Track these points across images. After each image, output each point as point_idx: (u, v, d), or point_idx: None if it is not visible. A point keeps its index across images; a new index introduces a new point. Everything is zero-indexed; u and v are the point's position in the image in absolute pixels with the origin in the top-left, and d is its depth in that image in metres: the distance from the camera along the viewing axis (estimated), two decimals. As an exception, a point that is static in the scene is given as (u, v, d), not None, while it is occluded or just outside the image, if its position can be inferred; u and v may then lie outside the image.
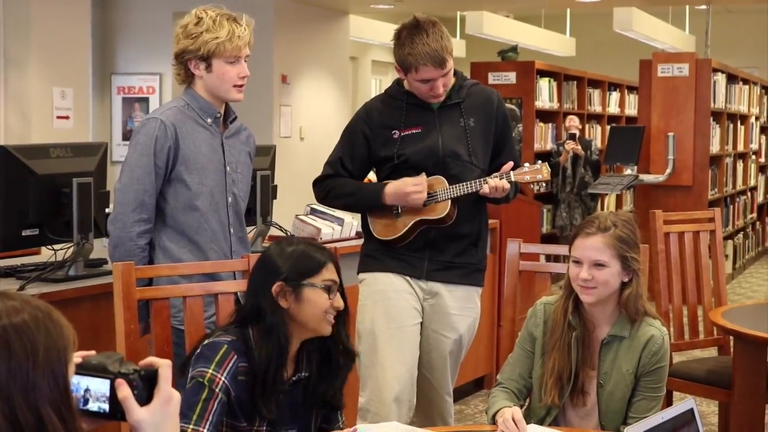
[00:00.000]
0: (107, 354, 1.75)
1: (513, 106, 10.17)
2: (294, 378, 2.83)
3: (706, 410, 5.81)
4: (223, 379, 2.68)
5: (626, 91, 13.19)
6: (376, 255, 3.90)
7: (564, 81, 11.04)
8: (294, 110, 10.30)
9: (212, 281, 3.26)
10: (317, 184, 3.99)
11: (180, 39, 3.40)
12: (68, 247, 3.83)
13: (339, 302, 2.82)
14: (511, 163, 3.80)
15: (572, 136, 10.32)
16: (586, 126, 11.85)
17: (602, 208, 12.17)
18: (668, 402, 4.93)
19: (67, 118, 7.59)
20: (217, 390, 2.66)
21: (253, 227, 4.62)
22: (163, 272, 3.21)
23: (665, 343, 3.09)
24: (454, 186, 3.77)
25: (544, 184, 10.30)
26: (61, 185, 3.74)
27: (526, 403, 3.25)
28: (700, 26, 12.39)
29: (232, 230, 3.49)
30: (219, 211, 3.45)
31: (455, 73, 3.92)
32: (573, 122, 10.33)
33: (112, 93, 11.25)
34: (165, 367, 1.74)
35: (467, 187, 3.76)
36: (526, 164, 3.83)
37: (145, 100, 10.70)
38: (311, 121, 10.50)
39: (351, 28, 11.38)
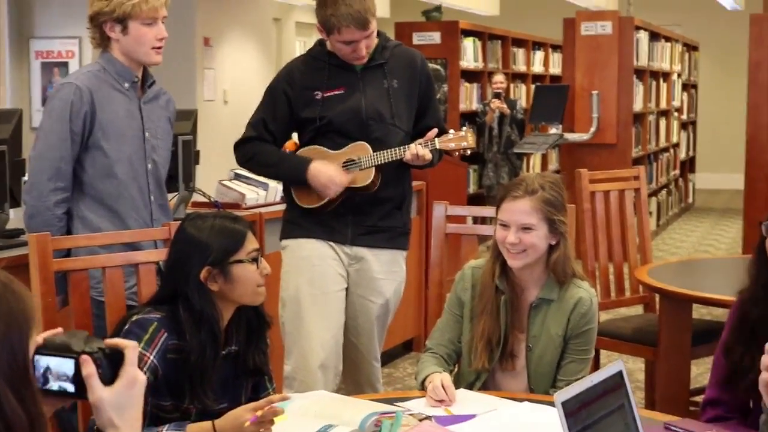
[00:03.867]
0: (72, 332, 1.70)
1: (438, 67, 10.12)
2: (224, 352, 2.77)
3: (633, 367, 5.85)
4: (152, 357, 2.60)
5: (550, 50, 13.22)
6: (299, 221, 3.84)
7: (488, 40, 11.01)
8: (217, 73, 10.13)
9: (133, 251, 3.16)
10: (239, 146, 3.90)
11: (94, 1, 3.29)
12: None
13: (267, 268, 2.77)
14: (435, 131, 3.75)
15: (497, 95, 10.29)
16: (511, 86, 11.84)
17: (528, 168, 12.22)
18: (596, 361, 4.95)
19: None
20: (144, 369, 2.58)
21: (175, 194, 4.52)
22: (81, 242, 3.12)
23: (593, 305, 3.07)
24: (377, 153, 3.72)
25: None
26: (-24, 154, 3.62)
27: (456, 368, 3.22)
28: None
29: (152, 198, 3.40)
30: (138, 178, 3.35)
31: (378, 34, 3.87)
32: (498, 81, 10.31)
33: (30, 58, 10.97)
34: (131, 349, 1.70)
35: (390, 154, 3.72)
36: (451, 131, 3.79)
37: (65, 64, 10.45)
38: (235, 84, 10.35)
39: (274, -11, 11.24)
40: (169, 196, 4.53)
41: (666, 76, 11.49)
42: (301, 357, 3.75)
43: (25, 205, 3.29)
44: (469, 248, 3.65)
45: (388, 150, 3.72)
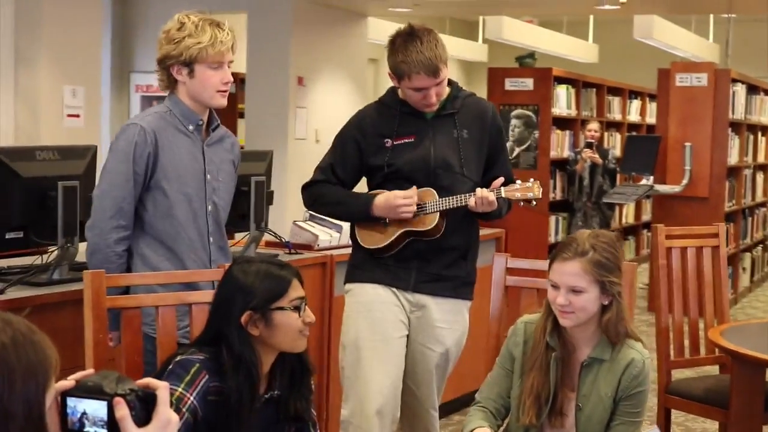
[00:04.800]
0: (104, 373, 1.72)
1: (529, 113, 10.09)
2: (266, 396, 2.79)
3: (710, 428, 5.73)
4: (192, 399, 2.63)
5: (647, 99, 13.08)
6: (363, 265, 3.85)
7: (583, 88, 10.94)
8: (309, 112, 10.26)
9: (190, 290, 3.21)
10: (306, 189, 3.94)
11: (162, 44, 3.36)
12: (53, 251, 3.79)
13: (310, 316, 2.78)
14: (501, 179, 3.74)
15: (589, 145, 10.21)
16: (605, 134, 11.74)
17: (621, 218, 12.08)
18: (666, 420, 4.86)
19: (77, 116, 7.57)
20: (183, 409, 2.61)
21: (246, 233, 4.57)
22: (135, 281, 3.17)
23: (646, 366, 3.02)
24: (443, 199, 3.72)
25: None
26: (47, 188, 3.70)
27: (505, 423, 3.19)
28: (724, 35, 12.27)
29: (211, 239, 3.44)
30: (197, 219, 3.40)
31: (451, 84, 3.88)
32: (592, 130, 10.23)
33: (130, 91, 11.26)
34: (163, 389, 1.72)
35: (457, 201, 3.71)
36: (518, 181, 3.77)
37: (163, 98, 10.69)
38: (327, 123, 10.45)
39: (371, 30, 11.33)
40: (240, 235, 4.62)
41: (764, 129, 11.27)
42: (358, 402, 3.75)
43: (87, 242, 3.35)
44: (528, 302, 3.60)
45: (454, 197, 3.71)
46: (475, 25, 13.75)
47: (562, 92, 10.47)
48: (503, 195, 3.72)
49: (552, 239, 10.49)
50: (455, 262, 3.84)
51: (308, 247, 4.97)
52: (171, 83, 3.41)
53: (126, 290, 3.25)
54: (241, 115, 10.48)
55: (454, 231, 3.80)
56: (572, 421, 3.04)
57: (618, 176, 10.39)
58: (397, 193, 3.72)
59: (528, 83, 10.06)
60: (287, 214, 5.94)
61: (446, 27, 13.92)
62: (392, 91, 3.87)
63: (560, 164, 10.54)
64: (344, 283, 3.93)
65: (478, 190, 3.69)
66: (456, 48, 13.90)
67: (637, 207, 12.67)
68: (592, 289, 2.96)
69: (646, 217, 12.50)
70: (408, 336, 3.83)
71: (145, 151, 3.29)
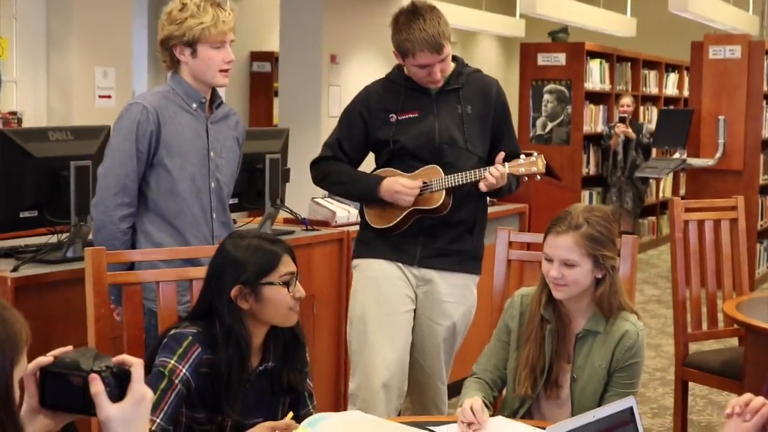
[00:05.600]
0: (82, 350, 1.79)
1: (562, 88, 10.06)
2: (260, 368, 2.84)
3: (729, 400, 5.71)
4: (184, 371, 2.69)
5: (685, 72, 12.96)
6: (370, 241, 3.90)
7: (617, 62, 10.88)
8: (343, 90, 10.27)
9: (192, 266, 3.27)
10: (314, 165, 4.00)
11: (165, 25, 3.42)
12: (67, 230, 3.87)
13: (300, 291, 2.82)
14: (502, 154, 3.76)
15: (622, 119, 10.18)
16: (641, 108, 11.67)
17: (657, 193, 12.01)
18: (683, 393, 4.87)
19: (108, 97, 7.66)
20: (176, 381, 2.67)
21: (259, 211, 4.64)
22: (135, 257, 3.24)
23: (640, 338, 3.04)
24: (449, 176, 3.75)
25: (593, 166, 10.18)
26: (60, 168, 3.79)
27: (503, 395, 3.23)
28: (763, 7, 12.12)
29: (214, 215, 3.50)
30: (201, 196, 3.46)
31: (456, 60, 3.91)
32: (625, 105, 10.18)
33: (168, 71, 11.36)
34: (137, 366, 1.78)
35: (462, 178, 3.74)
36: (522, 156, 3.80)
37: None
38: (360, 101, 10.49)
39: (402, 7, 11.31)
40: (246, 214, 4.68)
41: (802, 101, 11.13)
42: (365, 376, 3.81)
43: (92, 219, 3.43)
44: (531, 275, 3.63)
45: (460, 173, 3.75)
46: (513, 1, 13.66)
47: (595, 67, 10.43)
48: (507, 171, 3.75)
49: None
50: (461, 237, 3.88)
51: (325, 224, 5.03)
52: (174, 63, 3.46)
53: (131, 266, 3.32)
54: (276, 94, 10.53)
55: (461, 206, 3.84)
56: (567, 392, 3.07)
57: (654, 151, 10.35)
58: (400, 181, 3.76)
59: (560, 58, 10.04)
60: (318, 191, 6.00)
61: (483, 2, 13.88)
62: (398, 68, 3.92)
63: (594, 139, 10.52)
64: (352, 259, 3.98)
65: (491, 168, 3.72)
66: (492, 24, 13.85)
67: (675, 181, 12.59)
68: (585, 263, 2.99)
69: (684, 191, 12.42)
70: (415, 310, 3.87)
71: (148, 130, 3.36)
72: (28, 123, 7.06)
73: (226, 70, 3.45)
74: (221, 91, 11.15)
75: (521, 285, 3.54)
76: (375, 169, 3.96)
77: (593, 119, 10.51)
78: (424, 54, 3.71)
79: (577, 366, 3.06)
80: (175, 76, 3.49)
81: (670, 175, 11.63)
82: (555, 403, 3.09)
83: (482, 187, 3.75)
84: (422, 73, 3.77)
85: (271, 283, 2.76)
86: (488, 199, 4.09)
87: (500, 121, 3.92)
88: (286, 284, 2.78)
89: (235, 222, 4.77)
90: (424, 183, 3.78)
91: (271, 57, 10.96)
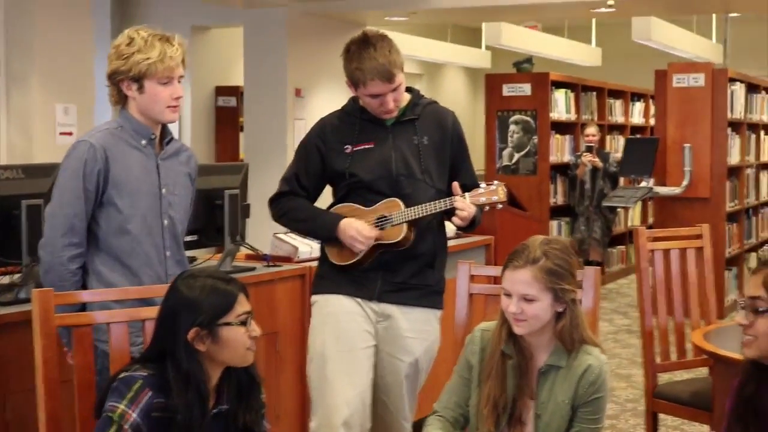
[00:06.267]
0: None
1: (528, 118, 10.06)
2: (215, 411, 2.77)
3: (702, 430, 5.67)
4: (134, 416, 2.62)
5: (651, 101, 13.01)
6: (328, 275, 3.83)
7: (582, 91, 10.89)
8: (308, 124, 10.19)
9: (146, 306, 3.18)
10: (273, 202, 3.93)
11: (112, 60, 3.35)
12: (18, 270, 3.78)
13: (256, 330, 2.77)
14: (456, 184, 3.70)
15: (589, 149, 10.18)
16: (608, 137, 11.69)
17: (625, 222, 12.01)
18: (653, 424, 4.81)
19: (70, 134, 7.57)
20: (126, 426, 2.60)
21: (216, 247, 4.57)
22: (85, 298, 3.15)
23: (603, 372, 2.98)
24: (408, 209, 3.69)
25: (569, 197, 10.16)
26: (11, 207, 3.71)
27: (464, 432, 3.16)
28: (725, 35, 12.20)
29: (168, 253, 3.42)
30: (153, 234, 3.38)
31: (411, 91, 3.87)
32: (590, 134, 10.18)
33: (130, 107, 11.27)
34: None
35: (422, 210, 3.69)
36: (483, 185, 3.74)
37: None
38: (326, 134, 10.45)
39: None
40: (212, 250, 4.61)
41: (766, 128, 11.17)
42: (325, 414, 3.72)
43: (40, 261, 3.34)
44: (495, 309, 3.57)
45: (420, 206, 3.69)
46: (478, 32, 13.69)
47: (560, 96, 10.43)
48: (468, 201, 3.69)
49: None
50: (422, 271, 3.81)
51: (288, 259, 4.96)
52: (121, 98, 3.39)
53: (83, 308, 3.23)
54: (242, 128, 10.49)
55: (422, 238, 3.77)
56: (532, 429, 3.01)
57: (621, 180, 10.34)
58: (355, 225, 3.71)
59: (525, 88, 10.04)
60: (280, 227, 5.89)
61: (448, 34, 13.90)
62: (353, 100, 3.87)
63: (561, 169, 10.51)
64: (310, 295, 3.91)
65: (448, 200, 3.67)
66: (458, 55, 13.88)
67: (643, 210, 12.60)
68: (545, 297, 2.93)
69: (652, 220, 12.43)
70: (376, 346, 3.80)
71: (95, 168, 3.28)
72: (-14, 161, 6.98)
73: (174, 106, 3.38)
74: (186, 127, 11.13)
75: (485, 319, 3.47)
76: (333, 204, 3.89)
77: (560, 149, 10.51)
78: (375, 83, 3.66)
79: (540, 402, 3.00)
80: (123, 111, 3.42)
81: (638, 204, 11.62)
82: (520, 440, 3.02)
83: (456, 221, 3.69)
84: (375, 102, 3.73)
85: (229, 324, 2.70)
86: (454, 231, 4.03)
87: (457, 152, 3.87)
88: (243, 324, 2.72)
89: (195, 259, 4.71)
90: (384, 217, 3.72)
91: (236, 91, 10.92)
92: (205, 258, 4.76)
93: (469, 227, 3.79)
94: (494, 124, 10.34)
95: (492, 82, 10.23)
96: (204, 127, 11.04)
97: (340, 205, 3.84)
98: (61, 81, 7.52)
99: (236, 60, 10.54)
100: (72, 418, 3.01)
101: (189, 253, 4.70)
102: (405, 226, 3.72)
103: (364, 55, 3.64)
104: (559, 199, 10.54)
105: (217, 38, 11.18)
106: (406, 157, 3.76)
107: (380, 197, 3.75)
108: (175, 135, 3.57)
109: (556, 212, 10.51)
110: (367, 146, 3.78)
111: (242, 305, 2.74)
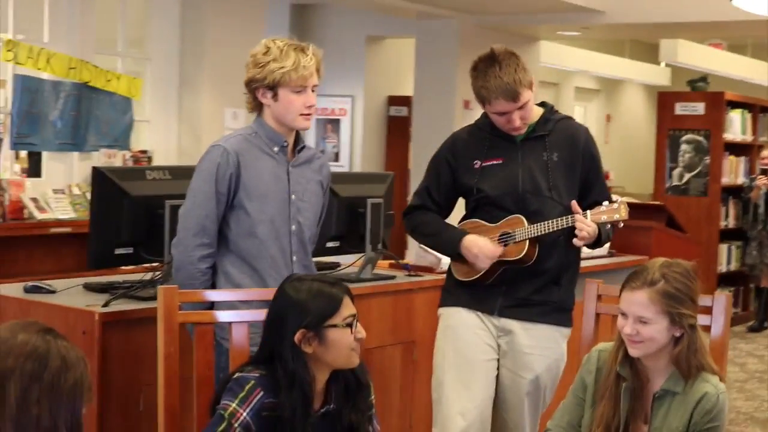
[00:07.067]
0: None
1: (700, 138, 9.82)
2: (322, 410, 2.83)
3: None
4: (244, 414, 2.70)
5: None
6: (451, 289, 3.87)
7: (761, 112, 10.55)
8: (476, 136, 10.26)
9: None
10: (406, 216, 3.97)
11: (249, 68, 3.45)
12: (161, 267, 3.93)
13: (361, 332, 2.82)
14: (574, 202, 3.64)
15: (764, 171, 9.86)
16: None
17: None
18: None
19: (238, 138, 7.80)
20: (236, 425, 2.69)
21: (361, 254, 4.64)
22: (209, 297, 3.26)
23: (720, 401, 2.89)
24: (532, 226, 3.67)
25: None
26: (156, 206, 3.85)
27: (578, 453, 3.12)
28: None
29: (294, 258, 3.50)
30: (280, 238, 3.46)
31: (544, 105, 3.84)
32: (765, 157, 9.86)
33: (304, 114, 11.51)
34: None
35: (546, 227, 3.66)
36: (605, 203, 3.67)
37: (336, 121, 10.90)
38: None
39: (546, 54, 11.22)
40: (355, 257, 4.68)
41: None
42: (443, 425, 3.75)
43: (173, 259, 3.47)
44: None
45: (544, 223, 3.66)
46: (657, 48, 13.44)
47: (736, 117, 10.14)
48: (589, 219, 3.64)
49: (724, 269, 10.15)
50: (545, 287, 3.77)
51: (430, 270, 4.99)
52: (257, 105, 3.50)
53: (211, 306, 3.34)
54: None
55: (547, 255, 3.74)
56: (643, 453, 2.95)
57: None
58: (479, 243, 3.71)
59: (699, 107, 9.81)
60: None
61: (626, 50, 13.68)
62: (485, 115, 3.86)
63: (734, 191, 10.21)
64: (438, 308, 3.94)
65: (571, 217, 3.63)
66: (635, 71, 13.66)
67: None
68: (660, 320, 2.87)
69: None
70: (498, 360, 3.79)
71: (228, 172, 3.39)
72: (158, 161, 7.24)
73: (307, 114, 3.46)
74: (358, 135, 11.28)
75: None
76: (463, 218, 3.90)
77: (733, 170, 10.21)
78: (499, 102, 3.66)
79: (654, 427, 2.94)
80: (258, 118, 3.52)
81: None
82: (631, 464, 2.97)
83: (576, 242, 3.65)
84: (501, 120, 3.73)
85: (335, 326, 2.76)
86: (602, 249, 3.95)
87: (589, 170, 3.82)
88: (349, 326, 2.77)
89: (338, 264, 4.80)
90: (507, 233, 3.71)
91: (408, 101, 11.02)
92: (347, 264, 4.84)
93: (594, 245, 3.73)
94: (665, 142, 10.13)
95: (664, 100, 10.03)
96: (376, 136, 11.18)
97: (465, 222, 3.86)
98: (230, 86, 7.74)
99: (409, 70, 10.64)
100: (191, 413, 3.12)
101: (331, 258, 4.82)
102: (527, 243, 3.69)
103: (490, 73, 3.64)
104: (731, 222, 10.25)
105: (390, 48, 11.32)
106: (534, 174, 3.74)
107: (505, 213, 3.74)
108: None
109: (727, 236, 10.22)
110: (495, 162, 3.78)
111: (348, 308, 2.80)
